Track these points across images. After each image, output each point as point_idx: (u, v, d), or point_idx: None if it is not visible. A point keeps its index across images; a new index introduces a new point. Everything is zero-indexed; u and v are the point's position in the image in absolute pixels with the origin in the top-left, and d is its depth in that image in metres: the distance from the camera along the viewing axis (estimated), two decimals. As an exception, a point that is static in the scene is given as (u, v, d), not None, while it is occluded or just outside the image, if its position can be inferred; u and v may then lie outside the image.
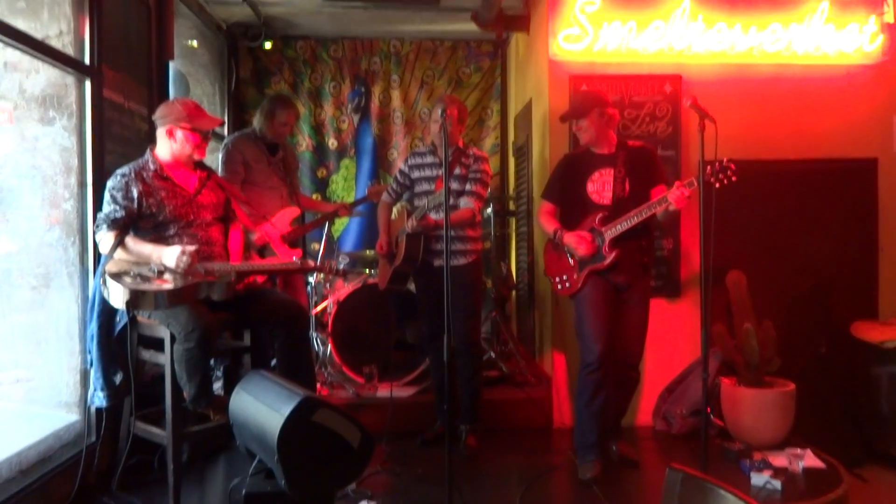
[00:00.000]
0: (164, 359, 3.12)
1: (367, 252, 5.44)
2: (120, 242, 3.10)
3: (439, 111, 3.73)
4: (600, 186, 3.68)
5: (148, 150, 3.34)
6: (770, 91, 4.63)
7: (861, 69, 4.68)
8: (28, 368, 3.50)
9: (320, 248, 5.31)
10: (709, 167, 3.32)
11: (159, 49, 4.27)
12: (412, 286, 4.31)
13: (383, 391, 4.49)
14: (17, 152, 3.44)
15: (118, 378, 3.30)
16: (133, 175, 3.20)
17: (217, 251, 3.37)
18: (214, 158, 4.93)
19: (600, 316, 3.61)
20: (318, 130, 6.40)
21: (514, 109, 6.22)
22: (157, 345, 3.19)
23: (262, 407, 2.75)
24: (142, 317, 3.19)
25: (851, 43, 4.60)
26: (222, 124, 4.80)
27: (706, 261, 3.18)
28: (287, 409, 2.58)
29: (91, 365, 3.29)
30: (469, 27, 5.43)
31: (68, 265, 3.50)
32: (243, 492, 2.79)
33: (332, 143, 6.41)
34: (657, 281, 4.41)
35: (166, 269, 3.07)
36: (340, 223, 6.37)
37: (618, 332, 3.68)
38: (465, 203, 3.90)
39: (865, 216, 4.74)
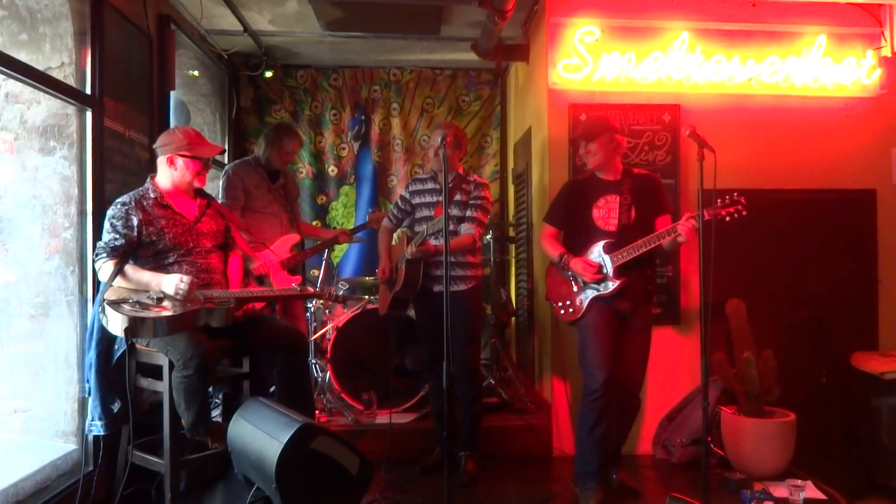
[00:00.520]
0: (162, 386, 3.12)
1: (367, 278, 5.45)
2: (119, 270, 3.11)
3: (439, 138, 3.76)
4: (606, 213, 3.67)
5: (148, 179, 3.37)
6: (769, 122, 4.66)
7: (859, 101, 4.73)
8: (26, 398, 3.49)
9: (320, 274, 5.32)
10: (718, 200, 3.35)
11: (160, 79, 4.32)
12: (412, 312, 4.31)
13: (382, 418, 4.47)
14: (17, 182, 3.45)
15: (116, 406, 3.29)
16: (133, 204, 3.22)
17: (216, 278, 3.38)
18: (215, 186, 4.95)
19: (604, 343, 3.58)
20: (318, 157, 6.44)
21: (513, 137, 6.25)
22: (156, 372, 3.18)
23: (261, 434, 2.74)
24: (140, 344, 3.20)
25: (849, 76, 4.65)
26: (223, 152, 4.84)
27: (706, 289, 3.18)
28: (285, 437, 2.58)
29: (89, 393, 3.29)
30: (469, 56, 5.49)
31: (67, 294, 3.51)
32: (241, 521, 2.77)
33: (332, 170, 6.44)
34: (656, 308, 4.40)
35: (165, 296, 3.07)
36: (340, 250, 6.38)
37: (620, 360, 3.65)
38: (466, 229, 3.91)
39: (864, 247, 4.76)
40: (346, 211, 6.46)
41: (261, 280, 3.89)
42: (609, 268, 3.56)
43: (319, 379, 4.89)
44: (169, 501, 3.08)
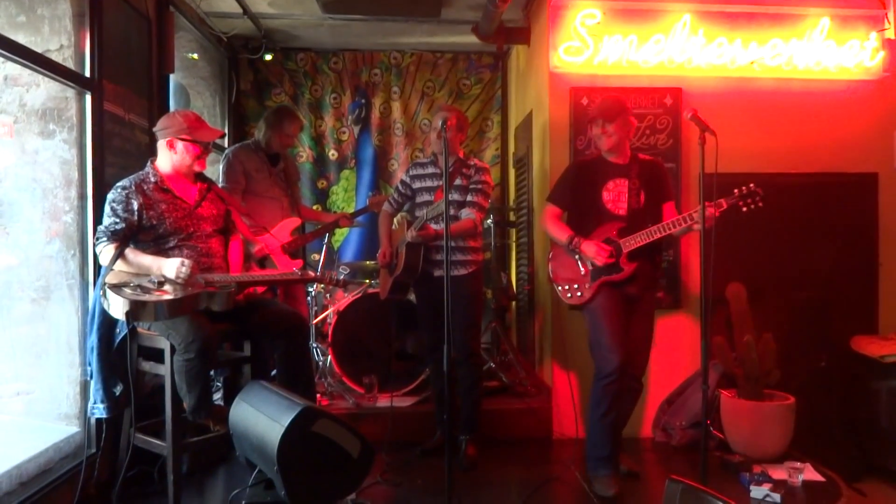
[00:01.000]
0: (163, 370, 3.12)
1: (368, 262, 5.45)
2: (120, 254, 3.11)
3: (440, 121, 3.74)
4: (616, 196, 3.62)
5: (149, 163, 3.36)
6: (771, 105, 4.65)
7: (862, 84, 4.71)
8: (28, 381, 3.50)
9: (320, 258, 5.32)
10: (736, 191, 3.32)
11: (160, 62, 4.30)
12: (413, 296, 4.31)
13: (383, 401, 4.49)
14: (17, 165, 3.45)
15: (118, 389, 3.30)
16: (133, 188, 3.22)
17: (217, 262, 3.38)
18: (215, 170, 4.94)
19: (617, 326, 3.54)
20: (318, 141, 6.42)
21: (514, 121, 6.24)
22: (157, 356, 3.19)
23: (262, 417, 2.75)
24: (142, 328, 3.20)
25: (852, 58, 4.63)
26: (223, 136, 4.83)
27: (706, 273, 3.18)
28: (287, 420, 2.59)
29: (91, 376, 3.30)
30: (470, 39, 5.46)
31: (68, 277, 3.51)
32: (243, 502, 2.79)
33: (332, 154, 6.42)
34: (661, 293, 4.40)
35: (166, 280, 3.07)
36: (341, 234, 6.38)
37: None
38: (467, 214, 3.90)
39: (865, 230, 4.76)
40: (346, 195, 6.45)
41: (261, 264, 3.89)
42: (620, 253, 3.51)
43: (320, 363, 4.90)
44: (171, 483, 3.10)
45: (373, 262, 5.06)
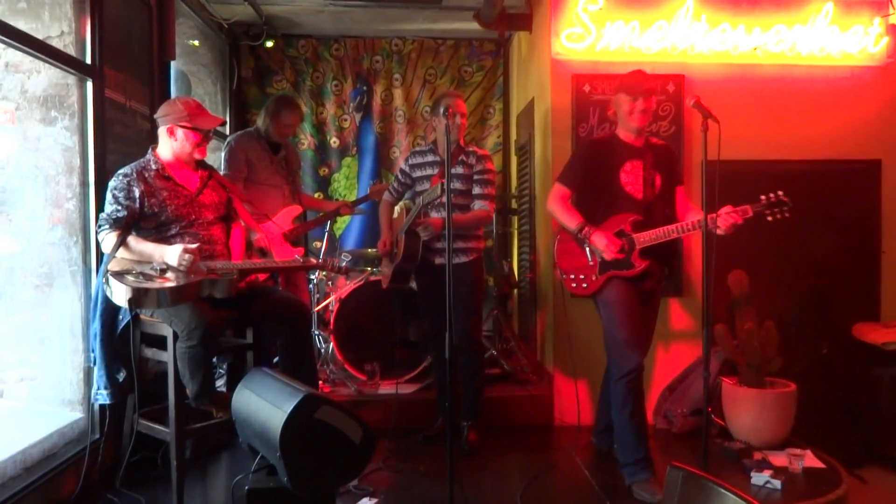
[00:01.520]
0: (166, 356, 3.13)
1: (369, 250, 5.45)
2: (122, 242, 3.12)
3: (441, 109, 3.72)
4: (633, 178, 3.47)
5: (150, 150, 3.36)
6: (774, 91, 4.62)
7: (866, 70, 4.69)
8: (32, 367, 3.51)
9: (322, 246, 5.32)
10: (763, 198, 3.22)
11: (161, 48, 4.28)
12: (414, 284, 4.32)
13: (385, 388, 4.50)
14: (19, 152, 3.44)
15: (121, 376, 3.31)
16: (135, 175, 3.22)
17: (219, 250, 3.38)
18: (217, 157, 4.93)
19: (635, 321, 3.43)
20: (319, 129, 6.41)
21: (516, 108, 6.22)
22: (160, 343, 3.20)
23: (265, 404, 2.76)
24: (144, 315, 3.21)
25: (856, 44, 4.60)
26: (223, 124, 4.82)
27: (708, 260, 3.17)
28: (289, 406, 2.59)
29: (94, 363, 3.31)
30: (471, 26, 5.43)
31: (71, 264, 3.51)
32: (246, 488, 2.80)
33: (333, 141, 6.41)
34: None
35: (168, 267, 3.08)
36: (342, 221, 6.38)
37: None
38: (481, 206, 3.90)
39: (868, 218, 4.75)
40: (348, 182, 6.45)
41: (263, 252, 3.90)
42: (633, 248, 3.39)
43: (323, 350, 4.91)
44: (175, 469, 3.11)
45: (374, 250, 5.06)
